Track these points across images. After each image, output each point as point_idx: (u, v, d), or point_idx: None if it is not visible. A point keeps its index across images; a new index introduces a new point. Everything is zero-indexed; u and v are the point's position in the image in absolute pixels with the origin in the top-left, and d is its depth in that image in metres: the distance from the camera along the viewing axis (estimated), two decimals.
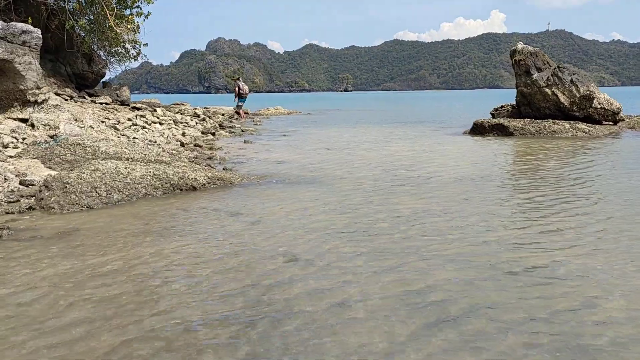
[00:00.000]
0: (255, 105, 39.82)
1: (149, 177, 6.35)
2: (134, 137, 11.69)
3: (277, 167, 8.93)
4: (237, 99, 22.70)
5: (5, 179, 6.53)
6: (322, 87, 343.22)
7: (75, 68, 24.35)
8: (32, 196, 5.95)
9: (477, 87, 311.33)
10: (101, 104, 20.09)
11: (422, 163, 9.35)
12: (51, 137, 9.34)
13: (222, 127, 18.08)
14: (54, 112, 11.49)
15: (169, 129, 14.62)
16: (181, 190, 6.58)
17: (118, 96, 24.87)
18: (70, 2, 21.17)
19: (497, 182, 7.43)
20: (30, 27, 11.37)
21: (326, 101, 67.58)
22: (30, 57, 11.15)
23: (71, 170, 6.73)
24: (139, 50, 24.08)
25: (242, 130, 16.65)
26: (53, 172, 7.17)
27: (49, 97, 11.51)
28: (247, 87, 23.14)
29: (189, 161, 9.26)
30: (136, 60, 24.57)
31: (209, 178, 6.87)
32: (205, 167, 8.00)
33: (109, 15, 19.57)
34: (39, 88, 11.33)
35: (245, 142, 13.02)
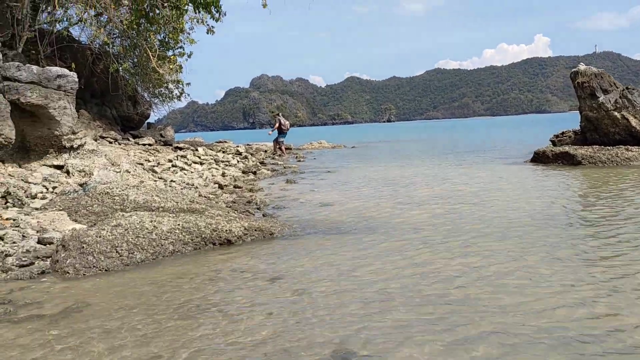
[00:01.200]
0: (299, 139, 39.39)
1: (177, 231, 5.59)
2: (172, 180, 11.11)
3: (322, 211, 8.06)
4: (274, 131, 22.23)
5: (23, 236, 5.91)
6: (365, 119, 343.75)
7: (121, 110, 24.45)
8: (49, 257, 5.27)
9: (523, 113, 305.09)
10: (144, 145, 19.89)
11: (486, 199, 8.30)
12: (81, 185, 8.80)
13: (264, 164, 17.47)
14: (90, 157, 11.06)
15: (209, 169, 14.05)
16: (214, 244, 5.79)
17: (162, 136, 24.79)
18: (114, 46, 21.28)
19: (578, 222, 6.33)
20: (65, 71, 11.05)
21: (370, 133, 66.83)
22: (66, 102, 10.79)
23: (97, 222, 6.07)
24: (182, 89, 24.01)
25: (285, 168, 15.95)
26: (78, 225, 6.53)
27: (85, 142, 11.09)
28: (288, 122, 22.60)
29: (226, 207, 8.51)
30: (179, 100, 24.49)
31: (245, 229, 6.06)
32: (243, 215, 7.21)
33: (151, 57, 19.48)
34: (74, 133, 10.93)
35: (287, 181, 12.26)
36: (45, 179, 9.21)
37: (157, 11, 19.03)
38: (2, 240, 5.63)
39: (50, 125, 10.58)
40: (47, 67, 10.85)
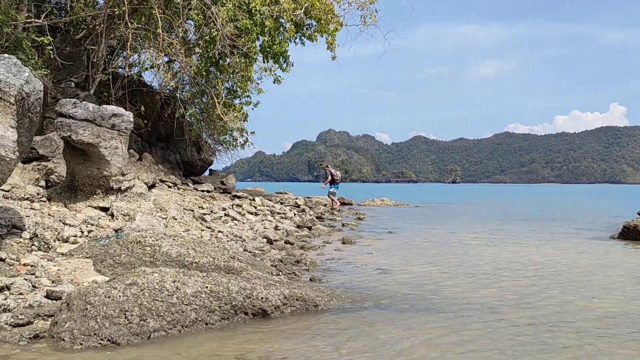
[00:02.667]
0: (361, 195, 38.43)
1: (203, 295, 4.67)
2: (219, 231, 10.34)
3: (379, 279, 6.95)
4: (327, 184, 21.34)
5: (34, 286, 5.16)
6: (430, 178, 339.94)
7: (185, 155, 24.47)
8: (51, 316, 4.46)
9: (596, 182, 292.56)
10: (202, 191, 19.52)
11: (570, 280, 6.96)
12: (116, 231, 8.13)
13: (321, 219, 16.56)
14: (137, 200, 10.50)
15: (262, 221, 13.25)
16: (246, 314, 4.82)
17: (223, 184, 24.53)
18: (183, 92, 21.39)
19: None
20: (121, 110, 10.69)
21: (434, 193, 64.99)
22: (118, 142, 10.36)
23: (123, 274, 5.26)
24: (247, 138, 23.80)
25: (343, 226, 14.95)
26: (100, 278, 5.76)
27: (134, 185, 10.57)
28: (339, 172, 21.74)
29: (272, 265, 7.57)
30: (243, 148, 24.26)
31: (285, 297, 5.07)
32: (286, 278, 6.22)
33: (217, 104, 19.35)
34: (123, 174, 10.44)
35: (344, 241, 11.24)
36: (85, 222, 8.63)
37: (227, 60, 18.98)
38: (9, 290, 4.90)
39: (100, 164, 10.15)
40: (103, 106, 10.54)
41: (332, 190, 21.15)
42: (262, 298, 4.90)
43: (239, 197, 19.04)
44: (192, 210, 12.79)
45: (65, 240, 7.35)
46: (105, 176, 10.23)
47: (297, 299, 5.11)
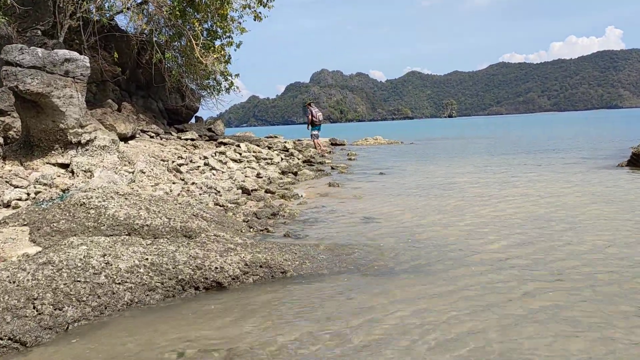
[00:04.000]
0: (354, 135, 37.40)
1: (141, 270, 3.80)
2: (192, 182, 9.42)
3: (363, 231, 6.07)
4: (309, 127, 19.40)
5: None
6: (426, 114, 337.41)
7: (168, 103, 23.28)
8: None
9: (593, 108, 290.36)
10: (186, 139, 18.57)
11: (584, 218, 6.12)
12: (64, 191, 7.20)
13: (310, 163, 15.63)
14: (100, 154, 9.52)
15: (245, 168, 12.33)
16: (197, 289, 3.97)
17: (211, 130, 23.50)
18: (159, 35, 20.00)
19: None
20: (75, 54, 9.54)
21: (430, 129, 63.84)
22: (73, 90, 9.28)
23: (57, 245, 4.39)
24: (231, 81, 22.57)
25: (333, 168, 14.04)
26: (34, 249, 4.89)
27: (95, 137, 9.56)
28: (321, 113, 19.90)
29: (244, 221, 6.70)
30: (228, 92, 23.06)
31: (246, 264, 4.21)
32: (256, 236, 5.34)
33: (195, 46, 18.03)
34: (82, 126, 9.41)
35: (330, 184, 10.36)
36: (37, 181, 7.70)
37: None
38: None
39: (54, 116, 9.11)
40: (55, 50, 9.39)
41: (314, 132, 19.45)
42: (217, 268, 4.04)
43: (225, 144, 18.08)
44: (167, 161, 11.86)
45: (7, 205, 6.44)
46: (62, 129, 9.21)
47: (260, 266, 4.25)
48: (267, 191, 9.49)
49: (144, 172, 9.21)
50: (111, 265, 3.70)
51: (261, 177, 11.32)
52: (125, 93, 20.91)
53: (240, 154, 15.56)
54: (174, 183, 9.35)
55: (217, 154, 14.61)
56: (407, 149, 22.36)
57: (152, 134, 17.87)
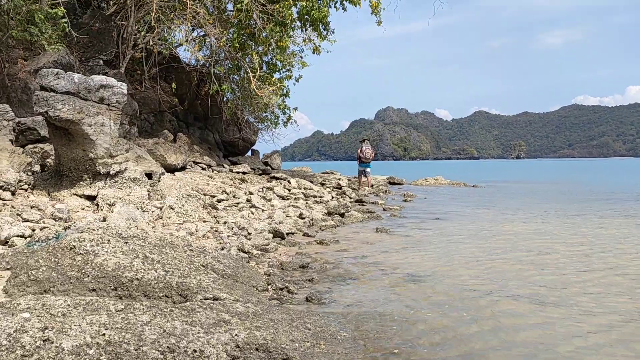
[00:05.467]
0: (415, 174, 36.06)
1: (90, 352, 2.86)
2: (224, 222, 8.57)
3: (408, 295, 4.90)
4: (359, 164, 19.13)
5: None
6: (492, 155, 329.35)
7: (225, 136, 23.00)
8: None
9: None
10: (238, 172, 18.03)
11: None
12: (66, 229, 6.46)
13: (362, 203, 14.58)
14: (129, 187, 8.86)
15: (288, 207, 11.43)
16: None
17: (268, 164, 23.00)
18: (218, 66, 19.82)
19: None
20: (111, 80, 9.03)
21: (496, 170, 61.27)
22: (106, 118, 8.71)
23: (36, 298, 3.56)
24: (289, 115, 22.10)
25: (385, 210, 12.92)
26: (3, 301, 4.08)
27: (125, 169, 8.92)
28: (371, 150, 19.31)
29: (265, 274, 5.71)
30: (285, 126, 22.59)
31: (237, 347, 3.15)
32: (263, 303, 4.30)
33: (252, 78, 17.59)
34: (112, 156, 8.80)
35: (377, 230, 9.25)
36: (52, 215, 7.05)
37: (260, 28, 17.16)
38: None
39: (84, 145, 8.55)
40: (92, 76, 8.92)
41: (360, 169, 19.18)
42: (195, 352, 3.03)
43: (277, 179, 17.39)
44: (206, 196, 11.14)
45: (5, 242, 5.75)
46: (91, 158, 8.63)
47: (256, 349, 3.21)
48: (305, 235, 8.50)
49: (173, 209, 8.44)
50: (51, 343, 2.79)
51: (304, 218, 10.36)
52: (182, 124, 20.75)
53: (289, 190, 14.75)
54: (204, 221, 8.53)
55: (264, 189, 13.86)
56: (470, 192, 20.87)
57: (204, 166, 17.45)
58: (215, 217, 9.17)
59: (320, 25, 19.10)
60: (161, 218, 8.18)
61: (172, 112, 20.03)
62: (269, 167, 21.93)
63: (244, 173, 18.25)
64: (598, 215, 11.86)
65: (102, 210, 8.06)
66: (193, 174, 15.36)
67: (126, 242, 4.91)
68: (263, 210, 10.64)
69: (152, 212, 8.20)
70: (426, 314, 4.37)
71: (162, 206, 8.50)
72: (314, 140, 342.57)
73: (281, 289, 5.02)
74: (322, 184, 18.84)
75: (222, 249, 6.56)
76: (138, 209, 7.96)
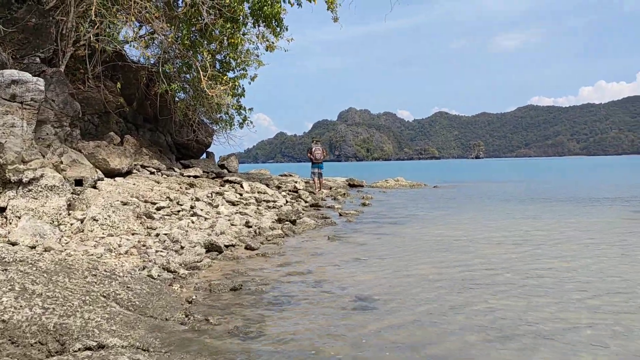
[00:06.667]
0: (377, 175, 35.53)
1: None
2: (157, 234, 7.60)
3: (353, 326, 4.07)
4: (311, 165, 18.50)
5: None
6: (453, 155, 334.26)
7: (178, 138, 21.84)
8: None
9: (624, 153, 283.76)
10: (189, 176, 16.95)
11: None
12: None
13: (317, 207, 13.77)
14: (46, 195, 7.78)
15: (235, 214, 10.50)
16: None
17: (224, 167, 21.97)
18: (165, 64, 18.66)
19: None
20: (25, 76, 7.94)
21: (457, 170, 61.48)
22: (16, 117, 7.63)
23: None
24: (245, 116, 21.08)
25: (341, 215, 12.13)
26: None
27: (41, 175, 7.84)
28: (321, 151, 18.46)
29: (187, 301, 4.80)
30: (241, 127, 21.55)
31: None
32: (173, 345, 3.39)
33: (202, 77, 16.53)
34: (24, 162, 7.72)
35: (329, 238, 8.44)
36: None
37: (209, 24, 16.16)
38: None
39: None
40: (2, 70, 7.82)
41: (313, 170, 18.31)
42: None
43: (231, 182, 16.44)
44: (148, 203, 10.12)
45: None
46: (0, 164, 7.54)
47: None
48: (247, 247, 7.60)
49: (97, 220, 7.42)
50: None
51: (250, 227, 9.46)
52: (131, 126, 19.52)
53: (241, 194, 13.84)
54: (132, 234, 7.53)
55: (214, 194, 12.91)
56: (430, 192, 20.30)
57: (153, 170, 16.31)
58: (148, 228, 8.17)
59: (274, 22, 18.22)
60: (81, 232, 7.16)
61: (120, 113, 18.80)
62: (225, 170, 20.91)
63: (195, 177, 17.19)
64: (549, 215, 11.34)
65: (10, 224, 7.00)
66: (138, 178, 14.25)
67: (4, 270, 3.93)
68: (206, 218, 9.68)
69: (71, 225, 7.17)
70: (374, 354, 3.54)
71: (84, 217, 7.47)
72: (277, 141, 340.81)
73: (200, 321, 4.11)
74: (279, 187, 17.97)
75: (144, 269, 5.61)
76: (52, 222, 6.92)
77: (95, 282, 4.26)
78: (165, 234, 7.52)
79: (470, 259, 6.72)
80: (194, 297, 4.75)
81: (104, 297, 4.03)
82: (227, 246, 7.41)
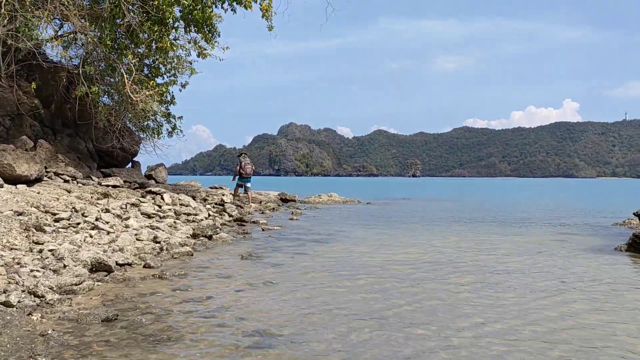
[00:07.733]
0: (312, 190, 35.01)
1: None
2: (40, 250, 6.61)
3: None
4: (234, 178, 18.17)
5: None
6: (391, 172, 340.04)
7: (100, 144, 20.41)
8: None
9: (551, 176, 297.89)
10: (107, 186, 15.71)
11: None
12: None
13: (241, 223, 12.98)
14: None
15: (143, 228, 9.56)
16: None
17: (152, 177, 20.75)
18: (95, 66, 17.37)
19: None
20: None
21: (392, 188, 61.93)
22: None
23: None
24: (175, 124, 19.94)
25: (263, 230, 11.38)
26: None
27: None
28: (250, 166, 18.15)
29: (41, 335, 3.92)
30: (170, 136, 20.38)
31: None
32: None
33: (126, 81, 15.40)
34: None
35: (242, 257, 7.68)
36: None
37: (144, 34, 15.18)
38: None
39: None
40: None
41: (239, 183, 18.02)
42: None
43: (153, 193, 15.37)
44: (48, 213, 9.03)
45: None
46: None
47: None
48: (146, 266, 6.73)
49: None
50: None
51: (158, 242, 8.56)
52: (48, 130, 18.03)
53: (160, 206, 12.87)
54: (11, 249, 6.51)
55: (128, 205, 11.88)
56: (362, 209, 19.85)
57: (68, 178, 15.02)
58: (35, 243, 7.14)
59: (205, 28, 17.37)
60: None
61: (35, 116, 17.33)
62: (151, 181, 19.76)
63: (113, 186, 15.98)
64: (486, 239, 11.06)
65: None
66: (47, 186, 13.01)
67: None
68: (109, 232, 8.70)
69: None
70: None
71: None
72: (216, 154, 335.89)
73: None
74: (205, 200, 17.06)
75: (4, 292, 4.67)
76: None
77: None
78: (50, 250, 6.54)
79: (400, 270, 6.12)
80: (49, 332, 3.88)
81: None
82: (121, 265, 6.51)
